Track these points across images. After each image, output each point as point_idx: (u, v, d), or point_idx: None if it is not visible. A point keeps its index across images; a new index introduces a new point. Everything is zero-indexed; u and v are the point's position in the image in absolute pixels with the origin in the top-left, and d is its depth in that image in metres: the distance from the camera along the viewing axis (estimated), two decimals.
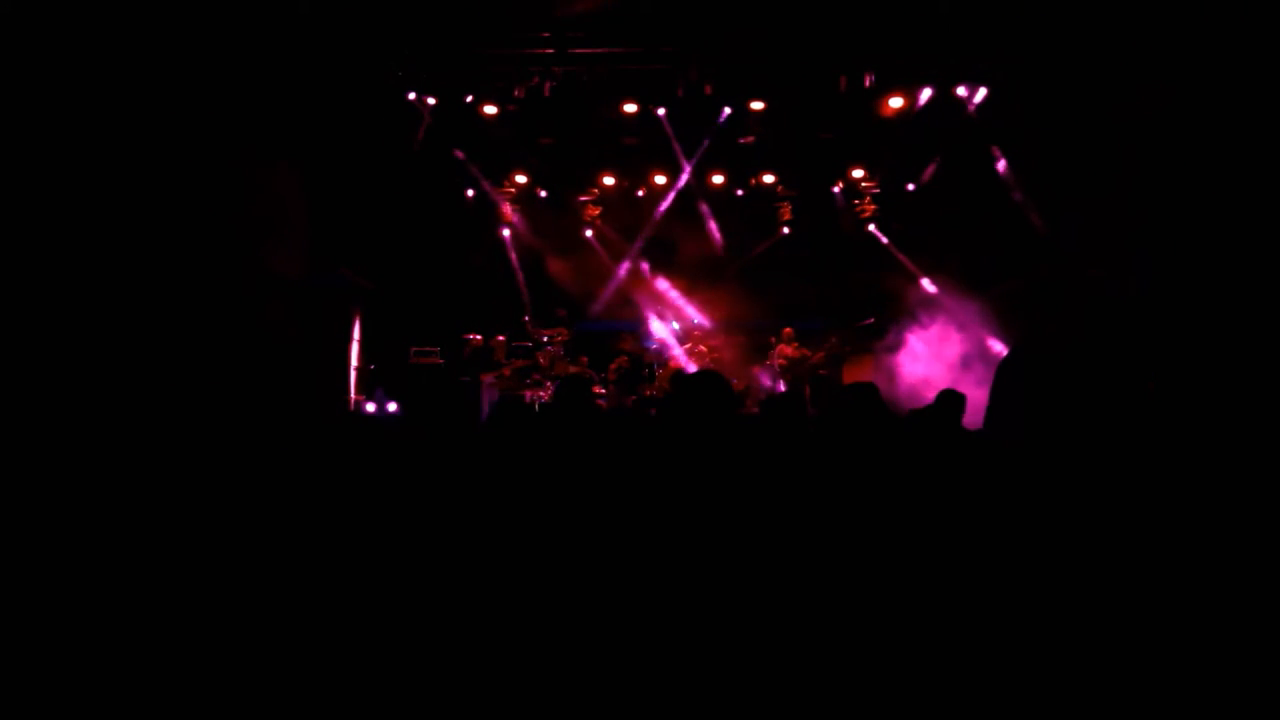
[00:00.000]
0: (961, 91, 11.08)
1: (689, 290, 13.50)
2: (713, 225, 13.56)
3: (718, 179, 12.99)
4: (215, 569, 2.70)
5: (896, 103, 11.06)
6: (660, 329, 12.87)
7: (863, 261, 13.11)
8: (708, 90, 10.86)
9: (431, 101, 11.25)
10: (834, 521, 2.53)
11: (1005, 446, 2.27)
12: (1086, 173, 9.25)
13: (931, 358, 10.71)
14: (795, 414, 4.41)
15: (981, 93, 11.04)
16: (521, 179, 13.19)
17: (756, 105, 11.16)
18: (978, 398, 4.40)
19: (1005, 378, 2.33)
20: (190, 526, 3.01)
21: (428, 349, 11.50)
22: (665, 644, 2.21)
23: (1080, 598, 2.01)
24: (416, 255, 12.49)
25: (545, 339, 12.12)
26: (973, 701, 2.00)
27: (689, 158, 12.59)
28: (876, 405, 3.42)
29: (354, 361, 11.47)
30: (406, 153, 11.86)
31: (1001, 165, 11.59)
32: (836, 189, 13.45)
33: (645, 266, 13.85)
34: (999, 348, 10.64)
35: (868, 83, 10.69)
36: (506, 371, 11.68)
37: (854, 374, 11.51)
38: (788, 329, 12.32)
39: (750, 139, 11.99)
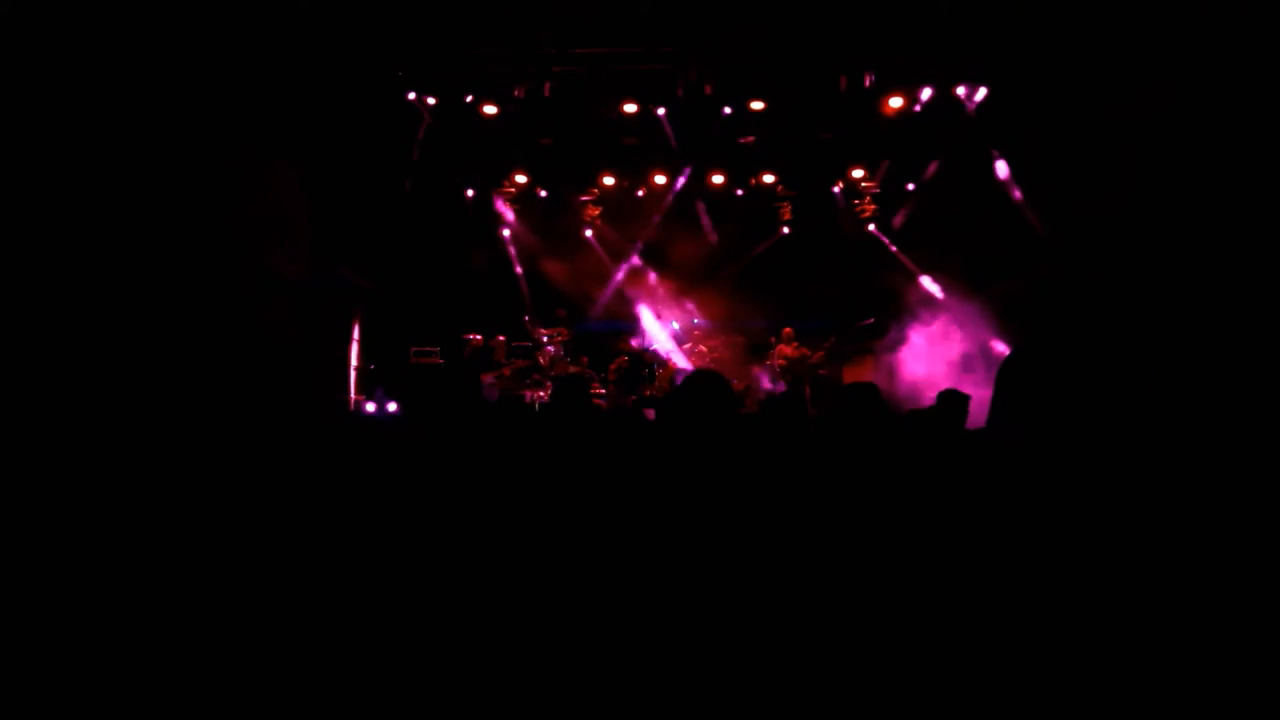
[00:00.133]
0: (961, 91, 11.09)
1: (688, 290, 13.51)
2: (712, 225, 13.57)
3: (718, 179, 12.99)
4: (215, 569, 2.70)
5: (896, 103, 11.06)
6: (658, 329, 12.88)
7: (863, 261, 13.11)
8: (708, 90, 10.87)
9: (431, 101, 11.25)
10: (834, 522, 2.53)
11: (1007, 447, 2.27)
12: (1086, 172, 9.25)
13: (931, 357, 10.71)
14: (795, 414, 4.42)
15: (981, 93, 11.05)
16: (521, 179, 13.19)
17: (756, 105, 11.16)
18: (978, 398, 4.41)
19: (1007, 378, 2.32)
20: (190, 526, 3.01)
21: (428, 349, 11.51)
22: (665, 644, 2.21)
23: (1083, 598, 2.01)
24: (416, 255, 12.49)
25: (545, 339, 12.13)
26: (974, 702, 2.00)
27: (689, 158, 12.59)
28: (876, 405, 3.42)
29: (354, 361, 11.47)
30: (406, 153, 11.87)
31: (1001, 165, 11.60)
32: (836, 189, 13.45)
33: (644, 266, 13.86)
34: (999, 347, 10.64)
35: (868, 83, 10.69)
36: (506, 371, 11.69)
37: (854, 374, 11.52)
38: (788, 329, 12.33)
39: (750, 139, 12.00)
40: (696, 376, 3.14)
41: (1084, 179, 9.34)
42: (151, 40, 6.92)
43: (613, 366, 12.14)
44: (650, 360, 12.19)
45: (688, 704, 2.13)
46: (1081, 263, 9.34)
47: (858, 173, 12.95)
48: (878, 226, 13.27)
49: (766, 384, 12.20)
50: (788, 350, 12.16)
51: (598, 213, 13.69)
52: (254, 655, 2.33)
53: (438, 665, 2.27)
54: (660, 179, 13.03)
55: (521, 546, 2.53)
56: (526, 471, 2.96)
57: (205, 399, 6.90)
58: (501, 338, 12.15)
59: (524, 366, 11.90)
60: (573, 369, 11.93)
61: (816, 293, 12.91)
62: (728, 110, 11.35)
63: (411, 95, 11.14)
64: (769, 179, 13.21)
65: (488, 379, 11.12)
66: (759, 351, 12.56)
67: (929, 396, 5.65)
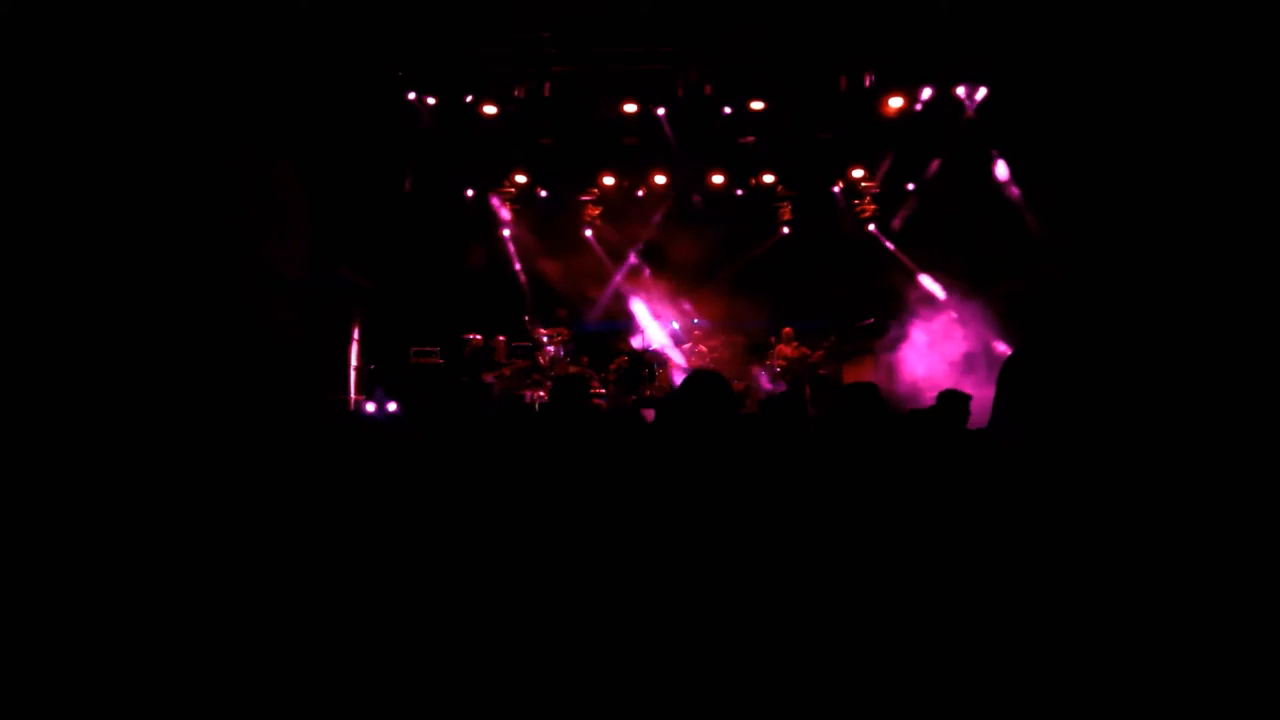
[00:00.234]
0: (961, 92, 11.09)
1: (688, 290, 13.51)
2: (712, 225, 13.56)
3: (718, 179, 12.99)
4: (215, 568, 2.70)
5: (896, 103, 11.05)
6: (656, 330, 12.88)
7: (863, 261, 13.10)
8: (708, 90, 10.86)
9: (431, 101, 11.25)
10: (834, 522, 2.52)
11: (1008, 447, 2.27)
12: (1086, 172, 9.25)
13: (932, 356, 10.70)
14: (795, 414, 4.41)
15: (981, 92, 11.04)
16: (521, 179, 13.18)
17: (756, 105, 11.15)
18: (980, 398, 4.40)
19: (1009, 377, 2.32)
20: (190, 526, 3.01)
21: (428, 349, 11.50)
22: (664, 644, 2.21)
23: (1083, 597, 2.01)
24: (416, 255, 12.48)
25: (545, 339, 12.12)
26: (975, 703, 2.00)
27: (689, 157, 12.58)
28: (877, 405, 3.42)
29: (354, 361, 11.46)
30: (406, 153, 11.87)
31: (1001, 165, 11.59)
32: (836, 189, 13.45)
33: (643, 266, 13.86)
34: (1000, 347, 10.64)
35: (868, 83, 10.69)
36: (506, 371, 11.68)
37: (854, 374, 11.51)
38: (788, 329, 12.32)
39: (750, 139, 12.00)
40: (696, 376, 3.14)
41: (1084, 179, 9.34)
42: (152, 40, 6.91)
43: (612, 366, 12.13)
44: (650, 360, 12.19)
45: (687, 704, 2.13)
46: (1082, 262, 9.33)
47: (858, 173, 12.94)
48: (878, 226, 13.26)
49: (766, 384, 12.20)
50: (788, 350, 12.16)
51: (598, 213, 13.68)
52: (253, 654, 2.33)
53: (437, 665, 2.27)
54: (660, 179, 13.03)
55: (521, 547, 2.53)
56: (526, 472, 2.96)
57: (205, 399, 6.90)
58: (501, 338, 12.14)
59: (524, 366, 11.89)
60: (573, 369, 11.92)
61: (816, 293, 12.91)
62: (728, 110, 11.35)
63: (411, 95, 11.14)
64: (769, 179, 13.20)
65: (488, 379, 11.11)
66: (759, 351, 12.55)
67: (930, 396, 5.65)
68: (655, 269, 13.77)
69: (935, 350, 10.69)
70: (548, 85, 10.72)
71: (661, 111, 11.49)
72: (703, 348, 12.34)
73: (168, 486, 3.52)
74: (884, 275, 12.73)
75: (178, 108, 7.26)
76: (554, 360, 11.96)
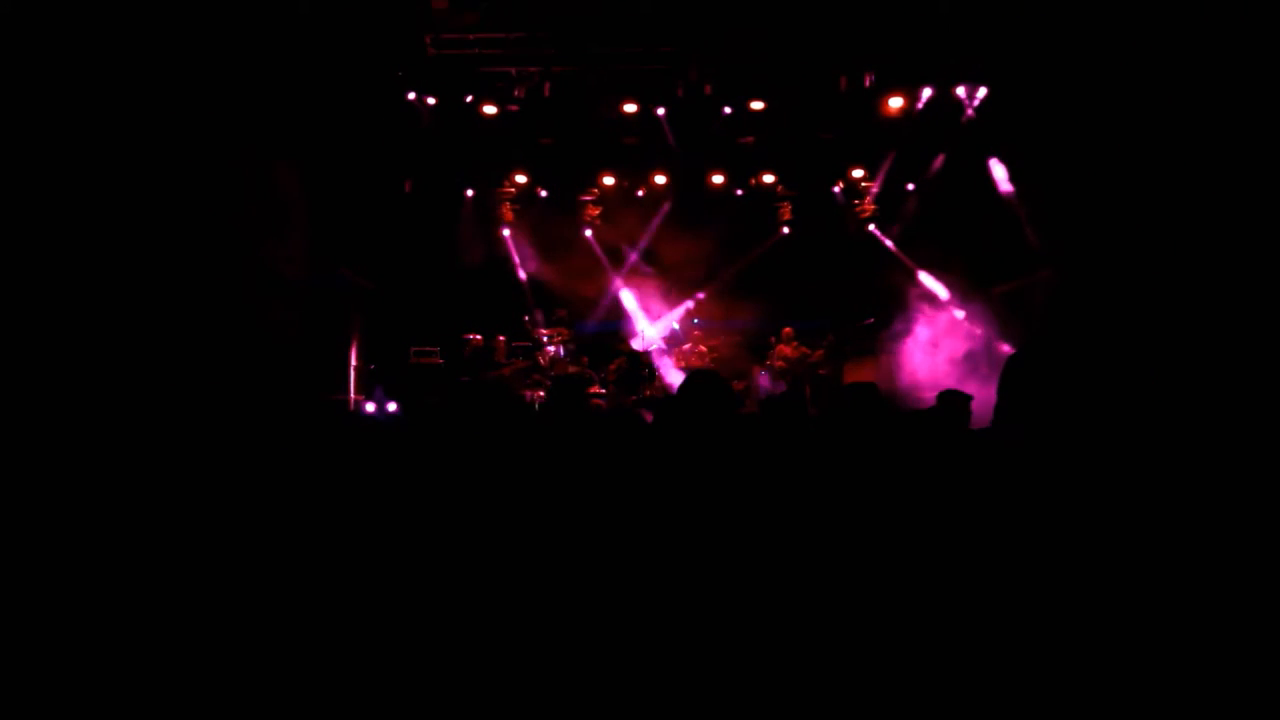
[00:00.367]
0: (961, 92, 11.09)
1: (688, 291, 13.51)
2: (712, 225, 13.56)
3: (718, 179, 12.98)
4: (215, 569, 2.70)
5: (896, 103, 11.06)
6: (654, 330, 12.89)
7: (863, 261, 13.11)
8: (708, 90, 10.87)
9: (431, 101, 11.25)
10: (835, 523, 2.52)
11: (1010, 446, 2.27)
12: (1087, 172, 9.25)
13: (933, 355, 10.71)
14: (795, 414, 4.41)
15: (981, 92, 11.05)
16: (521, 179, 13.18)
17: (756, 105, 11.16)
18: (982, 398, 4.40)
19: (1011, 377, 2.32)
20: (190, 526, 3.01)
21: (428, 349, 11.50)
22: (664, 645, 2.21)
23: (1084, 598, 2.01)
24: (416, 255, 12.48)
25: (545, 339, 12.12)
26: (975, 702, 2.00)
27: (689, 157, 12.58)
28: (877, 405, 3.42)
29: (354, 361, 11.46)
30: (406, 153, 11.87)
31: (1001, 165, 11.59)
32: (837, 189, 13.45)
33: (643, 267, 13.86)
34: (999, 346, 10.64)
35: (868, 83, 10.70)
36: (506, 371, 11.68)
37: (854, 374, 11.51)
38: (788, 329, 12.32)
39: (750, 139, 12.00)
40: (696, 376, 3.14)
41: (1085, 178, 9.33)
42: (152, 40, 6.91)
43: (612, 367, 12.13)
44: (650, 361, 12.19)
45: (687, 704, 2.13)
46: (1083, 262, 9.33)
47: (858, 173, 12.94)
48: (878, 226, 13.27)
49: (766, 384, 12.19)
50: (788, 350, 12.16)
51: (598, 213, 13.68)
52: (253, 654, 2.33)
53: (436, 665, 2.27)
54: (660, 179, 13.03)
55: (521, 547, 2.53)
56: (526, 472, 2.96)
57: (204, 399, 6.90)
58: (501, 338, 12.15)
59: (524, 366, 11.89)
60: (573, 369, 11.92)
61: (816, 293, 12.92)
62: (728, 110, 11.35)
63: (411, 95, 11.14)
64: (769, 179, 13.20)
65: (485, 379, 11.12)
66: (759, 351, 12.55)
67: (931, 396, 5.65)
68: (655, 269, 13.77)
69: (937, 348, 10.70)
70: (548, 85, 10.72)
71: (661, 111, 11.49)
72: (703, 348, 12.34)
73: (167, 486, 3.52)
74: (884, 275, 12.73)
75: (178, 108, 7.26)
76: (554, 360, 11.96)
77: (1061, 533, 2.09)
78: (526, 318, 12.70)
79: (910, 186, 13.00)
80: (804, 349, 12.12)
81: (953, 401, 4.89)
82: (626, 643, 2.23)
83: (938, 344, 10.76)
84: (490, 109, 11.17)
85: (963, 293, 11.86)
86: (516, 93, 10.92)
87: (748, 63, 10.64)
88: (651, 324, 12.94)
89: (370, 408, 10.42)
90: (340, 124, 10.13)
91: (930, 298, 12.07)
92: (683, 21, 9.94)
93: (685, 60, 10.63)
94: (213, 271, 7.78)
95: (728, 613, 2.26)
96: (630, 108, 11.19)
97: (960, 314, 11.48)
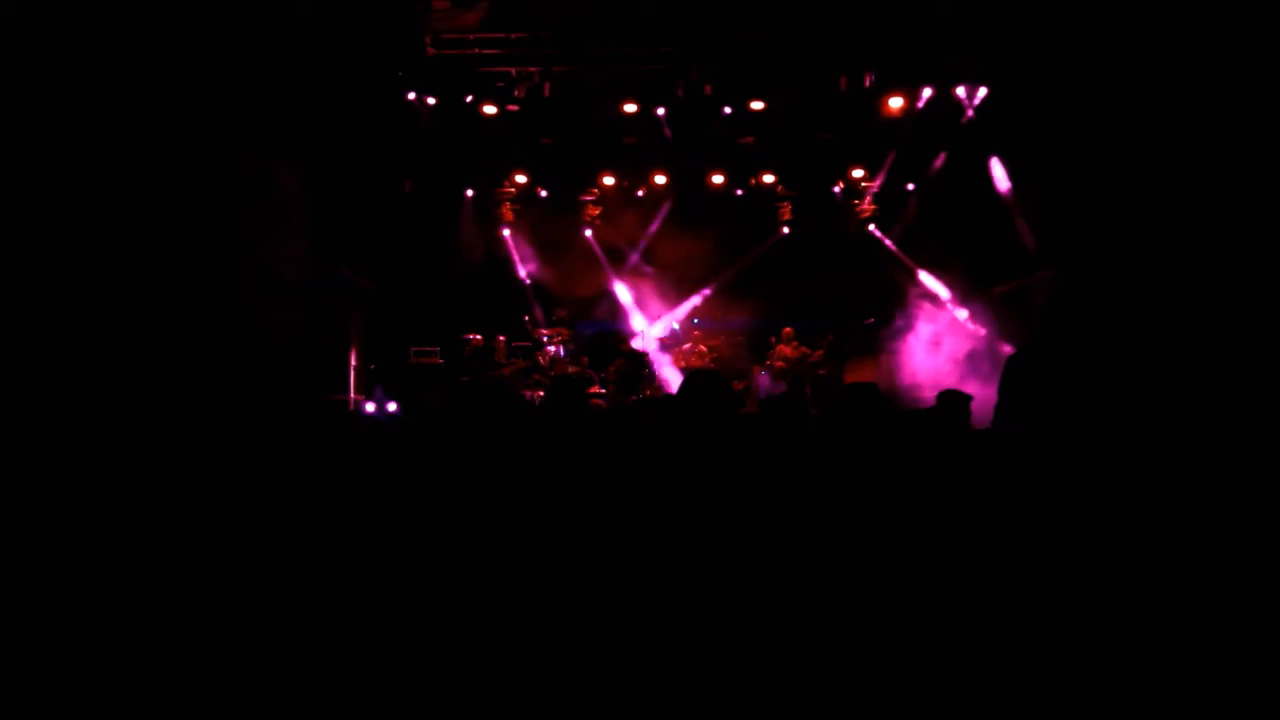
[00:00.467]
0: (961, 92, 11.09)
1: (688, 290, 13.51)
2: (712, 225, 13.55)
3: (718, 179, 12.98)
4: (214, 569, 2.70)
5: (896, 103, 11.06)
6: (655, 330, 12.88)
7: (863, 261, 13.10)
8: (708, 90, 10.86)
9: (431, 101, 11.25)
10: (835, 523, 2.52)
11: (1012, 446, 2.27)
12: (1087, 172, 9.25)
13: (934, 354, 10.71)
14: (795, 414, 4.41)
15: (982, 92, 11.05)
16: (521, 179, 13.18)
17: (756, 105, 11.15)
18: (983, 397, 4.39)
19: (1012, 377, 2.32)
20: (189, 526, 3.01)
21: (428, 349, 11.50)
22: (663, 645, 2.21)
23: (1084, 597, 2.01)
24: (416, 255, 12.48)
25: (545, 339, 12.12)
26: (976, 703, 2.00)
27: (689, 157, 12.58)
28: (877, 405, 3.42)
29: (354, 361, 11.46)
30: (406, 153, 11.87)
31: (1002, 165, 11.60)
32: (837, 189, 13.45)
33: (644, 267, 13.85)
34: (998, 345, 10.64)
35: (868, 83, 10.70)
36: (506, 371, 11.68)
37: (854, 374, 11.51)
38: (788, 329, 12.31)
39: (750, 139, 12.00)
40: (696, 376, 3.14)
41: (1085, 178, 9.33)
42: (152, 40, 6.91)
43: (612, 367, 12.13)
44: (643, 361, 12.18)
45: (686, 705, 2.13)
46: (1083, 262, 9.33)
47: (858, 173, 12.94)
48: (878, 226, 13.27)
49: (766, 384, 12.19)
50: (788, 350, 12.15)
51: (598, 213, 13.67)
52: (252, 654, 2.33)
53: (436, 664, 2.27)
54: (660, 179, 13.02)
55: (520, 548, 2.53)
56: (525, 472, 2.96)
57: (204, 399, 6.90)
58: (501, 338, 12.14)
59: (524, 366, 11.89)
60: (573, 369, 11.92)
61: (816, 293, 12.91)
62: (728, 110, 11.34)
63: (411, 95, 11.14)
64: (769, 179, 13.20)
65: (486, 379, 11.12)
66: (759, 351, 12.55)
67: (931, 396, 5.64)
68: (655, 269, 13.76)
69: (938, 347, 10.70)
70: (548, 85, 10.72)
71: (661, 111, 11.48)
72: (703, 348, 12.33)
73: (167, 486, 3.51)
74: (884, 275, 12.73)
75: (178, 108, 7.26)
76: (554, 360, 11.96)
77: (1061, 531, 2.09)
78: (526, 318, 12.69)
79: (910, 186, 12.99)
80: (804, 349, 12.11)
81: (952, 401, 4.88)
82: (626, 642, 2.23)
83: (939, 342, 10.76)
84: (490, 109, 11.17)
85: (963, 293, 11.86)
86: (516, 93, 10.92)
87: (748, 63, 10.64)
88: (649, 323, 12.93)
89: (370, 408, 10.42)
90: (340, 124, 10.13)
91: (930, 297, 12.07)
92: (683, 21, 9.94)
93: (685, 60, 10.63)
94: (213, 271, 7.78)
95: (728, 612, 2.26)
96: (630, 108, 11.18)
97: (963, 314, 11.49)
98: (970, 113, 11.23)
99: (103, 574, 2.68)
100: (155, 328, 6.78)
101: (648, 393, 11.59)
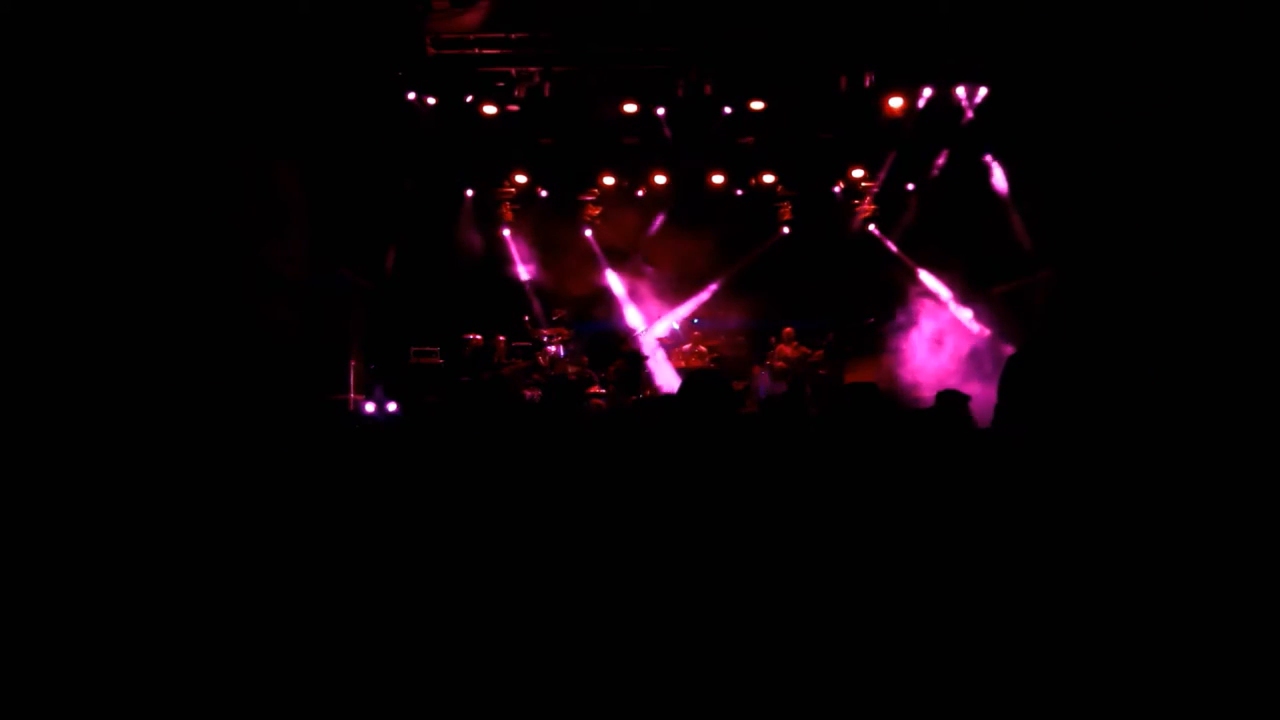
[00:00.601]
0: (961, 92, 11.10)
1: (687, 290, 13.51)
2: (712, 225, 13.55)
3: (718, 179, 12.98)
4: (214, 568, 2.70)
5: (896, 103, 11.06)
6: (653, 330, 12.88)
7: (863, 261, 13.11)
8: (708, 90, 10.86)
9: (431, 101, 11.25)
10: (835, 523, 2.52)
11: (1012, 445, 2.27)
12: (1088, 172, 9.25)
13: (934, 353, 10.71)
14: (795, 414, 4.41)
15: (982, 92, 11.05)
16: (521, 179, 13.18)
17: (756, 105, 11.15)
18: (983, 397, 4.39)
19: (1012, 377, 2.32)
20: (190, 526, 3.01)
21: (428, 349, 11.50)
22: (663, 645, 2.21)
23: (1084, 597, 2.01)
24: (416, 255, 12.48)
25: (545, 339, 12.12)
26: (976, 703, 2.00)
27: (689, 157, 12.57)
28: (877, 405, 3.42)
29: (354, 361, 11.46)
30: (406, 153, 11.87)
31: (1001, 165, 11.60)
32: (837, 189, 13.45)
33: (643, 266, 13.85)
34: (996, 344, 10.65)
35: (868, 83, 10.70)
36: (506, 371, 11.68)
37: (854, 374, 11.50)
38: (788, 329, 12.31)
39: (750, 139, 12.00)
40: (696, 376, 3.14)
41: (1085, 178, 9.34)
42: (152, 40, 6.91)
43: (612, 367, 12.12)
44: (645, 365, 12.17)
45: (686, 705, 2.13)
46: (1083, 262, 9.34)
47: (858, 173, 12.94)
48: (878, 226, 13.27)
49: (766, 384, 12.18)
50: (788, 350, 12.15)
51: (598, 213, 13.67)
52: (252, 654, 2.33)
53: (436, 663, 2.27)
54: (660, 179, 13.02)
55: (520, 548, 2.53)
56: (526, 472, 2.96)
57: (204, 399, 6.90)
58: (501, 338, 12.14)
59: (524, 366, 11.89)
60: (573, 369, 11.92)
61: (816, 293, 12.90)
62: (728, 110, 11.34)
63: (411, 95, 11.14)
64: (769, 179, 13.20)
65: (487, 379, 11.12)
66: (759, 351, 12.55)
67: (929, 395, 5.65)
68: (655, 269, 13.75)
69: (940, 345, 10.70)
70: (548, 85, 10.72)
71: (661, 111, 11.48)
72: (703, 348, 12.33)
73: (167, 486, 3.52)
74: (884, 274, 12.73)
75: (178, 108, 7.26)
76: (554, 360, 11.96)
77: (1061, 530, 2.09)
78: (526, 318, 12.69)
79: (910, 186, 13.00)
80: (804, 349, 12.11)
81: (951, 401, 4.88)
82: (626, 641, 2.23)
83: (940, 341, 10.76)
84: (490, 109, 11.17)
85: (963, 293, 11.86)
86: (516, 93, 10.92)
87: (748, 63, 10.64)
88: (646, 322, 12.93)
89: (370, 408, 10.42)
90: (340, 124, 10.12)
91: (931, 296, 12.08)
92: (683, 21, 9.94)
93: (685, 60, 10.63)
94: (213, 271, 7.78)
95: (727, 612, 2.26)
96: (630, 108, 11.18)
97: (967, 314, 11.50)
98: (970, 113, 11.23)
99: (103, 573, 2.68)
100: (155, 328, 6.78)
101: (648, 393, 11.59)
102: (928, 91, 11.07)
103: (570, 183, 13.38)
